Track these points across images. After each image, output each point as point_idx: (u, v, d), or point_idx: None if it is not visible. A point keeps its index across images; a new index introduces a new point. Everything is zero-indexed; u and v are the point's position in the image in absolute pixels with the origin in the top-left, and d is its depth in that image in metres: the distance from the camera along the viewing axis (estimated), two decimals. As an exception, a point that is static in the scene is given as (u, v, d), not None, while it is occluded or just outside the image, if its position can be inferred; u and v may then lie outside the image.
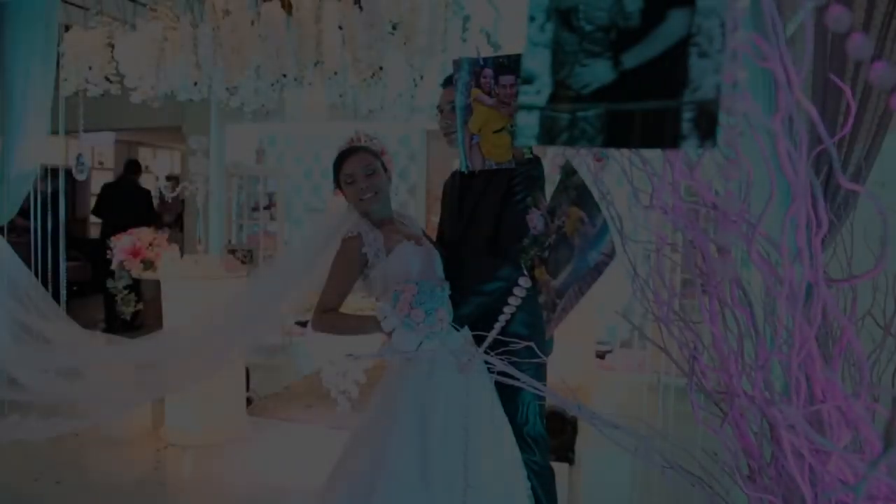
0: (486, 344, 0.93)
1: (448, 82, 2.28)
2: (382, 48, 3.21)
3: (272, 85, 3.83)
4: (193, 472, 3.61)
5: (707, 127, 0.43)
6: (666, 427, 3.62)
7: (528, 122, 0.51)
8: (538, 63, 0.50)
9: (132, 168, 7.40)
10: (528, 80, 0.51)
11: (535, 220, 0.77)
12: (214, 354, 2.61)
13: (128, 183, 7.25)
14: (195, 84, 3.81)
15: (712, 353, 0.91)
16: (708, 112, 0.44)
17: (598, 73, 0.48)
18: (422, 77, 3.20)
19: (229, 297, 2.90)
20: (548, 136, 0.51)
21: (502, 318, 0.96)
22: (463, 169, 1.11)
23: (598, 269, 0.66)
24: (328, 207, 6.34)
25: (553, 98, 0.51)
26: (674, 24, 0.46)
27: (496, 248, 2.15)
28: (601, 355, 5.91)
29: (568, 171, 0.71)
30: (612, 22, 0.48)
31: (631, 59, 0.47)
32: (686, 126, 0.46)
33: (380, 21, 3.13)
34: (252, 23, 3.66)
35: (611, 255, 0.65)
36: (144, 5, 4.24)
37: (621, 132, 0.48)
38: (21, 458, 3.60)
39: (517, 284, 0.95)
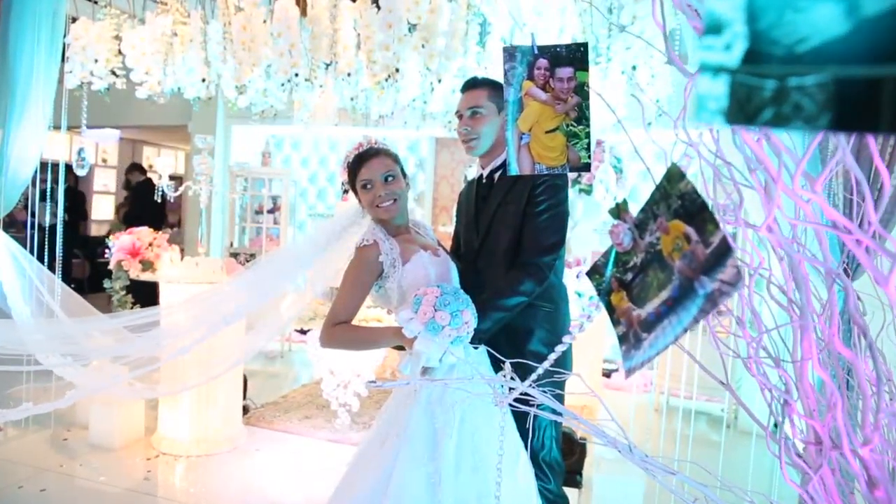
0: (532, 378, 0.80)
1: (468, 86, 2.16)
2: (399, 49, 3.10)
3: (282, 85, 3.72)
4: (185, 482, 3.46)
5: None
6: (677, 451, 3.48)
7: (713, 92, 0.36)
8: (728, 5, 0.35)
9: (143, 170, 7.60)
10: (714, 29, 0.36)
11: (621, 233, 0.64)
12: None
13: (148, 185, 7.38)
14: (203, 80, 3.69)
15: (801, 398, 0.78)
16: None
17: (822, 21, 0.33)
18: (440, 81, 3.08)
19: (223, 293, 2.74)
20: (742, 112, 0.36)
21: (546, 363, 0.82)
22: (512, 173, 0.98)
23: (713, 301, 0.53)
24: (336, 213, 6.21)
25: (750, 57, 0.36)
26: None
27: (517, 261, 2.03)
28: (607, 374, 5.76)
29: (672, 176, 0.58)
30: (845, -53, 0.33)
31: (874, 2, 0.32)
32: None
33: (397, 21, 3.03)
34: (264, 20, 3.55)
35: (733, 284, 0.51)
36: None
37: (857, 109, 0.33)
38: (5, 464, 3.45)
39: (565, 331, 0.82)
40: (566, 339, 0.80)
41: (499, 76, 2.29)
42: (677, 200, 0.57)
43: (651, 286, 0.59)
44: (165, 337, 2.65)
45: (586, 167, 0.96)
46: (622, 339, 0.65)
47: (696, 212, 0.55)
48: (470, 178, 2.47)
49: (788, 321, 0.78)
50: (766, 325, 0.73)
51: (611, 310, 0.68)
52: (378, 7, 3.08)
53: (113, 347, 2.80)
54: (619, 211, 0.66)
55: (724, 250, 0.51)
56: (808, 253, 0.66)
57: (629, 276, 0.64)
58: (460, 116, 2.14)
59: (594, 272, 0.70)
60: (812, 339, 0.63)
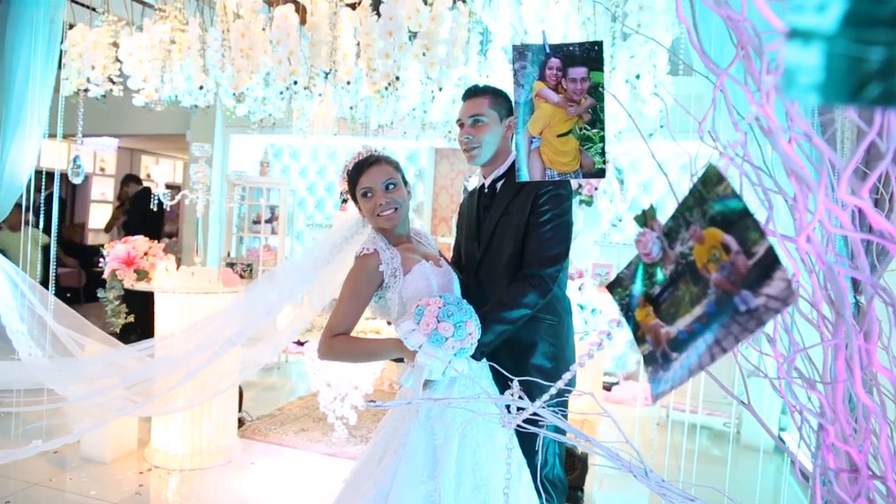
0: (544, 399, 0.75)
1: (470, 94, 2.12)
2: (399, 57, 3.06)
3: (280, 93, 3.68)
4: (178, 496, 3.38)
5: None
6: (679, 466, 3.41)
7: (805, 63, 0.30)
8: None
9: (138, 180, 7.65)
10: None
11: (649, 243, 0.58)
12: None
13: (147, 195, 7.45)
14: (200, 88, 3.65)
15: (837, 423, 0.72)
16: None
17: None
18: (440, 89, 3.04)
19: (222, 309, 2.71)
20: (842, 87, 0.29)
21: (560, 383, 0.76)
22: (522, 178, 0.93)
23: (759, 318, 0.47)
24: (335, 224, 6.16)
25: (851, 20, 0.29)
26: None
27: (520, 273, 1.97)
28: (608, 387, 5.69)
29: (708, 178, 0.52)
30: None
31: None
32: None
33: (398, 29, 2.99)
34: (263, 28, 3.52)
35: (783, 300, 0.46)
36: (153, 7, 4.11)
37: None
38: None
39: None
40: (582, 359, 0.75)
41: (500, 85, 2.25)
42: (715, 205, 0.51)
43: (682, 301, 0.54)
44: (172, 362, 2.62)
45: (601, 173, 0.90)
46: (648, 359, 0.59)
47: (736, 219, 0.49)
48: (470, 188, 2.42)
49: (819, 339, 0.72)
50: (800, 343, 0.67)
51: (635, 327, 0.62)
52: (378, 14, 3.04)
53: (136, 370, 2.77)
54: (645, 218, 0.61)
55: (771, 262, 0.46)
56: (847, 264, 0.61)
57: (657, 289, 0.58)
58: (461, 125, 2.10)
59: (617, 285, 0.64)
60: (856, 360, 0.58)
